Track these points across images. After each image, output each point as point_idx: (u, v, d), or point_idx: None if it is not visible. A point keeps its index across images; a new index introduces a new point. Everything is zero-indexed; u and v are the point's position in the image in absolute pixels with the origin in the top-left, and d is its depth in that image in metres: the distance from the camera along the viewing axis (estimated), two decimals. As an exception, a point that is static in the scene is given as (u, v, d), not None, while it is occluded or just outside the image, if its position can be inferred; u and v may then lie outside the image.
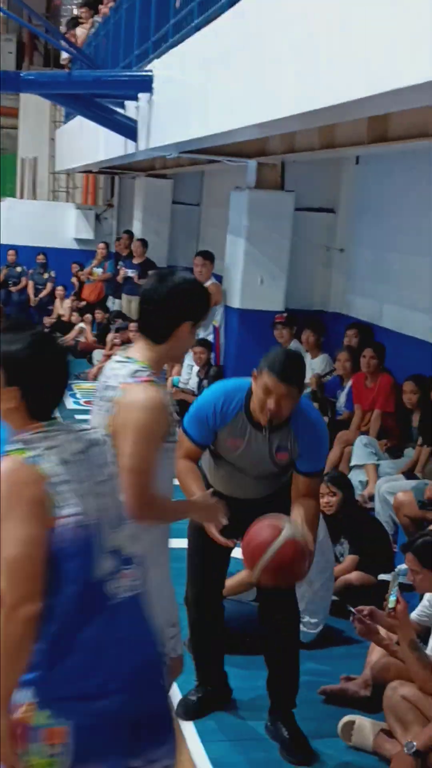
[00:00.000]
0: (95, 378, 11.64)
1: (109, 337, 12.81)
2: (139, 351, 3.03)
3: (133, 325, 11.18)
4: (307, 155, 8.31)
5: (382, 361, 7.41)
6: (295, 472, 3.79)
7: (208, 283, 9.17)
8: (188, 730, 4.00)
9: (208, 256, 9.63)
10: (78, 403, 10.61)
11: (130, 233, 14.56)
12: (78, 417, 9.86)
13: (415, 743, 3.55)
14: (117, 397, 2.91)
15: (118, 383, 2.94)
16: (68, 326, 15.10)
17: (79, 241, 17.65)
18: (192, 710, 4.08)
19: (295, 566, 3.35)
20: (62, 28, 16.98)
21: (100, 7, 14.56)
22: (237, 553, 3.90)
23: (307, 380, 8.36)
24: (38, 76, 10.29)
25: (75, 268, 16.20)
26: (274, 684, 4.02)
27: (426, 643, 3.97)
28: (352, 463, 6.91)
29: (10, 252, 16.30)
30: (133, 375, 2.93)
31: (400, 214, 8.44)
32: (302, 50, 4.65)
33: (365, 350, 7.45)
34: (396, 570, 4.19)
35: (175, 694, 4.16)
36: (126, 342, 11.57)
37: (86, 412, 10.08)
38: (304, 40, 4.62)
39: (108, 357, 12.01)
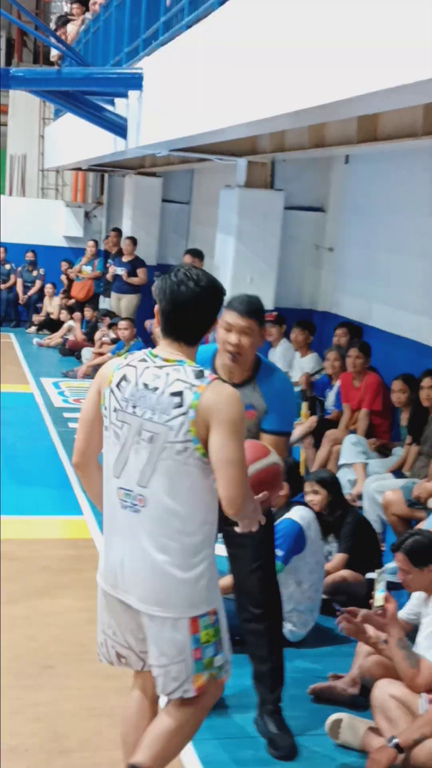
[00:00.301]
0: (84, 376, 11.64)
1: (98, 335, 12.79)
2: (177, 353, 3.02)
3: (123, 323, 11.16)
4: (297, 154, 8.32)
5: (368, 361, 7.43)
6: (261, 432, 3.76)
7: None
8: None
9: (197, 254, 9.63)
10: (66, 401, 10.58)
11: (118, 231, 14.55)
12: (66, 415, 9.85)
13: (396, 739, 3.57)
14: (194, 401, 2.89)
15: (184, 387, 2.91)
16: (57, 324, 15.09)
17: (68, 238, 17.62)
18: None
19: (273, 489, 3.38)
20: (52, 25, 16.93)
21: (90, 4, 14.52)
22: (222, 551, 3.91)
23: (296, 379, 8.41)
24: (27, 73, 10.27)
25: (64, 265, 16.18)
26: (258, 678, 4.04)
27: (414, 641, 3.99)
28: (341, 462, 6.92)
29: (-1, 249, 16.28)
30: (200, 376, 2.94)
31: (389, 214, 8.46)
32: (292, 49, 4.65)
33: (350, 350, 7.48)
34: (382, 569, 4.20)
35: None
36: (116, 340, 11.56)
37: (75, 410, 10.08)
38: (294, 39, 4.62)
39: (98, 354, 12.07)
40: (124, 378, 3.02)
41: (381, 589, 3.89)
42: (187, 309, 2.99)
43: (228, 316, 3.69)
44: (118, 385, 3.01)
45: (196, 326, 3.04)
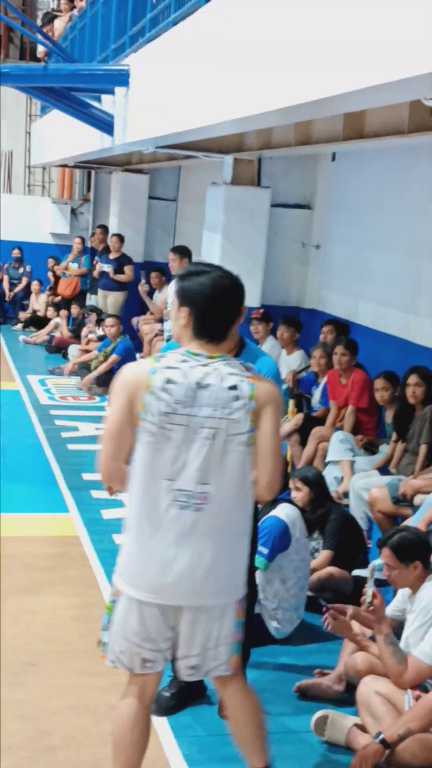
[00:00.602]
0: (71, 374, 11.62)
1: (84, 331, 12.77)
2: (215, 349, 3.07)
3: (110, 320, 11.14)
4: (284, 151, 8.31)
5: (354, 358, 7.43)
6: None
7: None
8: (161, 725, 4.00)
9: (182, 252, 9.61)
10: (53, 399, 10.55)
11: (105, 228, 14.51)
12: (52, 413, 9.82)
13: (382, 735, 3.57)
14: (251, 391, 2.99)
15: (239, 380, 3.00)
16: (44, 321, 15.04)
17: (54, 235, 17.58)
18: (165, 706, 4.08)
19: None
20: (38, 22, 16.88)
21: (77, 0, 14.49)
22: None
23: (283, 376, 8.40)
24: (13, 69, 10.23)
25: (51, 262, 16.14)
26: None
27: (400, 638, 3.99)
28: (328, 459, 6.93)
29: (-15, 246, 16.23)
30: (248, 368, 3.07)
31: (375, 211, 8.47)
32: (279, 46, 4.65)
33: (336, 347, 7.48)
34: (371, 565, 4.20)
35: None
36: (103, 337, 11.53)
37: (62, 407, 10.06)
38: (281, 36, 4.62)
39: (85, 351, 12.05)
40: (169, 381, 2.98)
41: (371, 586, 3.90)
42: (230, 306, 3.10)
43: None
44: (163, 389, 2.98)
45: (233, 322, 3.14)
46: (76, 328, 13.57)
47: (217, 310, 3.07)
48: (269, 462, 3.03)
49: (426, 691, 3.79)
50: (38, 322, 15.25)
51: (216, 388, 2.98)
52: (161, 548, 3.01)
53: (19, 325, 15.55)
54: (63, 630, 4.83)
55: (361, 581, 5.33)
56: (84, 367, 11.41)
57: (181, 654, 3.12)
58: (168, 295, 9.53)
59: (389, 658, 3.79)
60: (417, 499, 5.62)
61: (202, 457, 2.98)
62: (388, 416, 6.90)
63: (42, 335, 14.38)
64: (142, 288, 11.83)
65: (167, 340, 8.88)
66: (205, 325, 3.06)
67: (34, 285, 16.00)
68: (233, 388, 2.99)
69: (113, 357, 10.81)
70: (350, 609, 4.04)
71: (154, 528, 3.01)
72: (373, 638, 4.01)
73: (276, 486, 3.05)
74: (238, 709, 3.28)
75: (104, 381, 10.65)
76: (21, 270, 16.46)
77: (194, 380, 2.99)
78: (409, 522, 5.08)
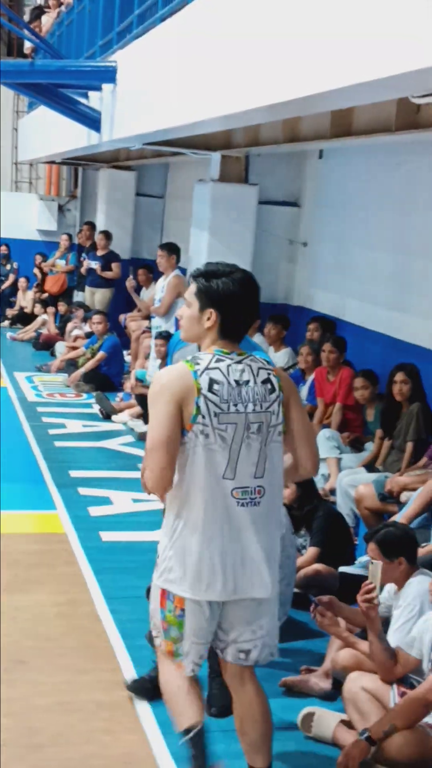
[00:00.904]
0: (58, 370, 11.59)
1: (69, 326, 12.75)
2: (236, 347, 3.18)
3: (96, 317, 11.12)
4: (271, 148, 8.32)
5: (342, 355, 7.45)
6: None
7: (171, 276, 9.15)
8: (148, 721, 4.00)
9: (170, 249, 9.61)
10: (40, 396, 10.53)
11: (92, 225, 14.48)
12: (39, 410, 9.80)
13: (368, 732, 3.59)
14: (278, 383, 3.17)
15: (268, 374, 3.16)
16: (31, 318, 15.01)
17: (42, 232, 17.53)
18: (150, 689, 4.07)
19: None
20: (26, 17, 16.81)
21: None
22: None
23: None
24: (0, 65, 10.19)
25: (38, 259, 16.09)
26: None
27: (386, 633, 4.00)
28: (314, 456, 6.93)
29: (-28, 243, 16.17)
30: (269, 362, 3.24)
31: (362, 209, 8.49)
32: (266, 43, 4.65)
33: (324, 345, 7.49)
34: (372, 562, 4.17)
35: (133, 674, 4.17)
36: (90, 334, 11.51)
37: (49, 404, 10.04)
38: (268, 32, 4.62)
39: (72, 348, 12.02)
40: (213, 382, 3.06)
41: (379, 589, 3.88)
42: (255, 305, 3.22)
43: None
44: (211, 390, 3.04)
45: (247, 325, 3.25)
46: (64, 325, 13.54)
47: (245, 311, 3.17)
48: (312, 442, 3.32)
49: (411, 687, 3.81)
50: (25, 318, 15.20)
51: (253, 383, 3.11)
52: (228, 547, 3.10)
53: (6, 322, 15.50)
54: (50, 627, 4.83)
55: (348, 578, 5.35)
56: (71, 364, 11.39)
57: (232, 641, 3.24)
58: (156, 291, 9.53)
59: (381, 654, 3.80)
60: (403, 496, 5.64)
61: (255, 451, 3.10)
62: (369, 414, 6.94)
63: (29, 332, 14.34)
64: (130, 285, 11.83)
65: (156, 338, 8.90)
66: (234, 325, 3.15)
67: (21, 282, 15.95)
68: (266, 381, 3.14)
69: (100, 354, 10.80)
70: (327, 598, 4.06)
71: (220, 528, 3.08)
72: (360, 635, 4.02)
73: (316, 464, 3.34)
74: (250, 707, 3.32)
75: (91, 378, 10.65)
76: (8, 267, 16.41)
77: (234, 378, 3.09)
78: (396, 518, 5.10)
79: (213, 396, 3.03)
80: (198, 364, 3.07)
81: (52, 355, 12.78)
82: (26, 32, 11.46)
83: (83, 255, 13.82)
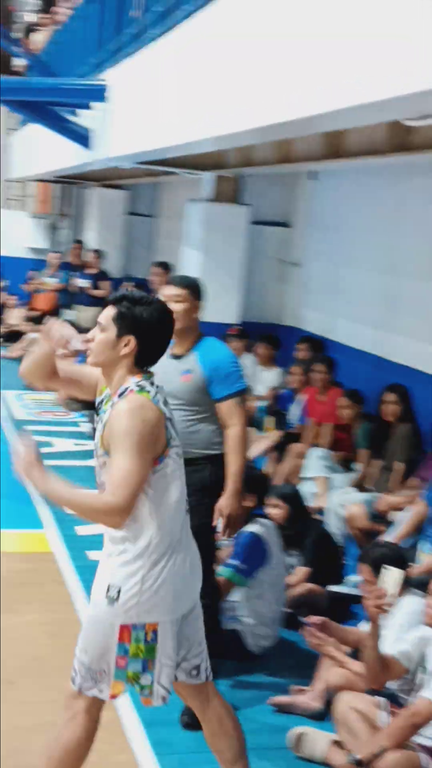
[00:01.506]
0: (48, 389, 11.53)
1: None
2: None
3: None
4: (264, 169, 8.36)
5: (331, 375, 7.46)
6: (216, 402, 4.21)
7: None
8: (139, 742, 3.97)
9: (164, 267, 9.62)
10: (30, 414, 10.50)
11: (81, 243, 14.50)
12: (29, 428, 9.76)
13: (357, 755, 3.57)
14: None
15: None
16: (20, 336, 14.97)
17: (33, 250, 17.54)
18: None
19: None
20: (18, 34, 16.88)
21: (53, 11, 14.52)
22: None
23: (263, 393, 8.43)
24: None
25: (31, 275, 16.07)
26: None
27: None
28: (304, 475, 6.94)
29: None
30: None
31: (353, 230, 8.53)
32: (258, 65, 4.68)
33: (314, 365, 7.51)
34: (385, 567, 4.07)
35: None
36: (78, 353, 11.47)
37: (39, 422, 10.01)
38: (261, 54, 4.65)
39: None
40: (165, 404, 3.09)
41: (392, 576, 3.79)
42: (170, 338, 3.22)
43: (165, 290, 4.24)
44: (167, 414, 3.08)
45: None
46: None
47: (163, 342, 3.15)
48: None
49: (399, 706, 3.80)
50: (14, 336, 15.17)
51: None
52: (187, 555, 3.11)
53: (-2, 340, 15.48)
54: (38, 647, 4.80)
55: (337, 597, 5.34)
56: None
57: (188, 657, 3.19)
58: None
59: (374, 661, 3.75)
60: (390, 516, 5.65)
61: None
62: (354, 433, 6.96)
63: (18, 349, 14.31)
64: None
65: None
66: (150, 355, 3.11)
67: (10, 300, 15.93)
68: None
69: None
70: (320, 620, 4.05)
71: (183, 549, 3.09)
72: (351, 655, 4.01)
73: None
74: (221, 724, 3.27)
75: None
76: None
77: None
78: (384, 537, 5.11)
79: (166, 420, 3.04)
80: (148, 391, 3.02)
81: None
82: (19, 50, 11.51)
83: (73, 273, 13.82)
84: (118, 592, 2.98)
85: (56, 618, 5.17)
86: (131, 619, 3.00)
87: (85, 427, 9.82)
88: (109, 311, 3.08)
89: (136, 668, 3.04)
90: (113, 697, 3.10)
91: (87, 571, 5.84)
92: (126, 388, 3.02)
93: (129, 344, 3.03)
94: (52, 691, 4.31)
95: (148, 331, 3.03)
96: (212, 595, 4.17)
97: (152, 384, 3.05)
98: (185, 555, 3.09)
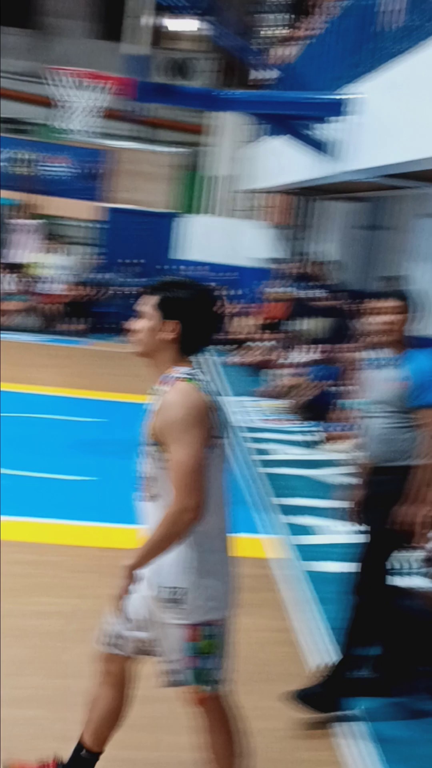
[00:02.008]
0: (278, 396, 11.64)
1: (290, 353, 12.84)
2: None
3: (320, 347, 11.08)
4: None
5: None
6: (419, 410, 4.24)
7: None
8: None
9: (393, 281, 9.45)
10: (259, 420, 10.57)
11: (315, 256, 14.54)
12: (257, 435, 9.83)
13: None
14: None
15: None
16: (244, 343, 15.20)
17: (268, 260, 17.82)
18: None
19: None
20: (261, 46, 17.17)
21: (302, 25, 14.65)
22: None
23: None
24: (240, 95, 10.46)
25: (267, 285, 16.30)
26: None
27: None
28: None
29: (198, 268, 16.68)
30: None
31: None
32: None
33: None
34: None
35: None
36: (308, 363, 11.53)
37: (269, 430, 10.00)
38: None
39: (293, 376, 12.01)
40: (211, 395, 3.03)
41: None
42: (219, 321, 3.25)
43: (386, 302, 4.30)
44: (215, 404, 3.02)
45: None
46: (280, 351, 13.61)
47: (210, 326, 3.13)
48: None
49: None
50: (239, 343, 15.41)
51: None
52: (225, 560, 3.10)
53: (227, 347, 15.80)
54: (267, 653, 4.83)
55: None
56: (291, 391, 11.40)
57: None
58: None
59: None
60: None
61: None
62: None
63: (251, 356, 14.52)
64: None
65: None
66: (196, 340, 3.06)
67: (234, 308, 16.22)
68: None
69: (320, 383, 10.79)
70: None
71: (229, 543, 3.11)
72: None
73: None
74: (104, 699, 3.32)
75: (311, 407, 10.58)
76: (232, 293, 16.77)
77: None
78: None
79: (217, 411, 2.98)
80: (199, 380, 2.97)
81: (265, 380, 12.87)
82: (264, 64, 11.71)
83: (305, 284, 13.89)
84: (172, 596, 3.00)
85: (283, 625, 5.19)
86: (200, 618, 3.03)
87: (317, 437, 9.78)
88: (151, 299, 3.03)
89: (209, 664, 3.08)
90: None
91: (316, 579, 5.85)
92: (173, 377, 2.98)
93: (174, 329, 2.99)
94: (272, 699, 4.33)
95: (192, 314, 2.98)
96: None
97: (202, 373, 3.02)
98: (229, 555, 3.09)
